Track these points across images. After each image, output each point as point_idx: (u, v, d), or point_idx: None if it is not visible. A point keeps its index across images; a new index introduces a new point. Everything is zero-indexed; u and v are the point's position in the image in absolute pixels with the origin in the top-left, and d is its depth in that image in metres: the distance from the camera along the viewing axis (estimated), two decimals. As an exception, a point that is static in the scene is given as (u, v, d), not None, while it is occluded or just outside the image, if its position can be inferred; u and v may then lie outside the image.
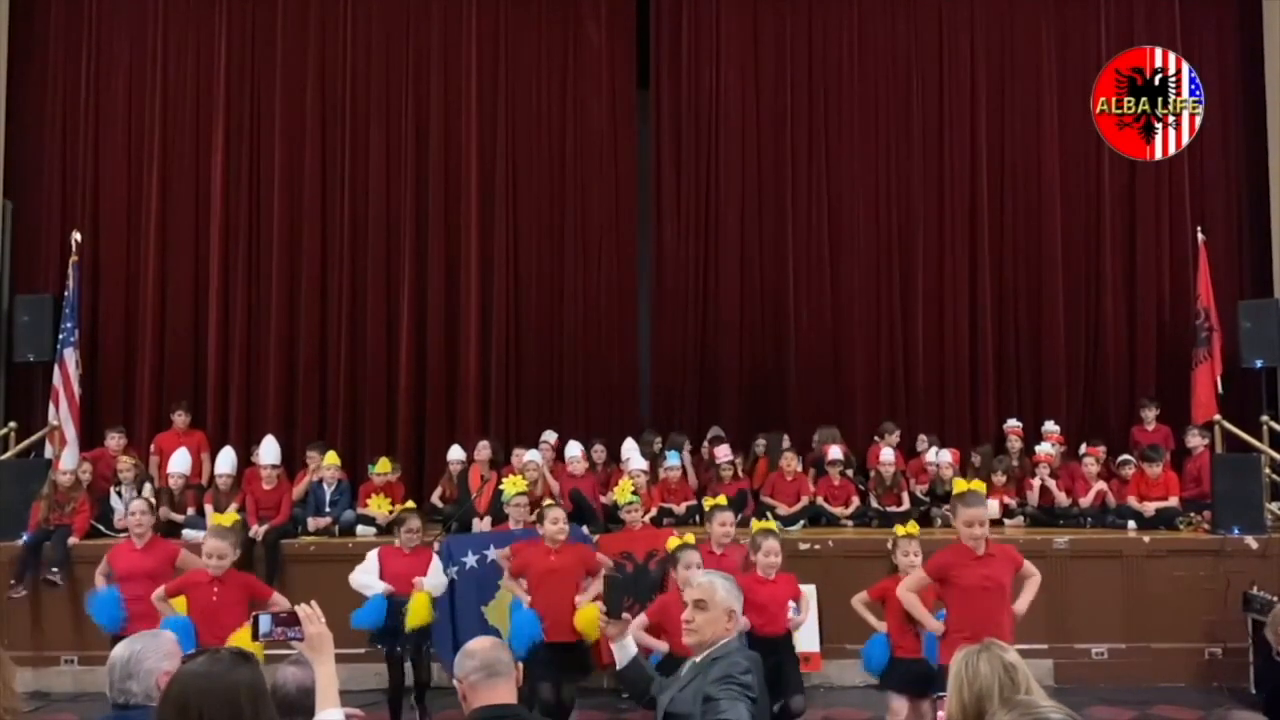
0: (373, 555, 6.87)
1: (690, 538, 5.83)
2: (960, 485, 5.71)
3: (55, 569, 7.86)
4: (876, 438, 9.82)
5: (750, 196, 10.69)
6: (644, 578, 7.03)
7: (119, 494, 8.47)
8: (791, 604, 5.93)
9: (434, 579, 6.75)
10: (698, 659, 3.31)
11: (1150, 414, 9.87)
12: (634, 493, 7.35)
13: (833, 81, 10.79)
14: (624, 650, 3.64)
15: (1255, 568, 8.00)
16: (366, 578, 6.71)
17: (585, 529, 7.93)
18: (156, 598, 5.81)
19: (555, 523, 6.28)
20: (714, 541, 6.27)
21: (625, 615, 5.18)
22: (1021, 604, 5.29)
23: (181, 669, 2.38)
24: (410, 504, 7.48)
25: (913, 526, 6.43)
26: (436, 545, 7.84)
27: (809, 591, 7.37)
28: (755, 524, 6.41)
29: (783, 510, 8.78)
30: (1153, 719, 7.28)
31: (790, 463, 9.13)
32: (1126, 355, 10.65)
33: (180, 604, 5.81)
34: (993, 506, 8.70)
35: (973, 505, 5.24)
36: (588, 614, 6.12)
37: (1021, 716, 2.19)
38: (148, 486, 8.42)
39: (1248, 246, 10.78)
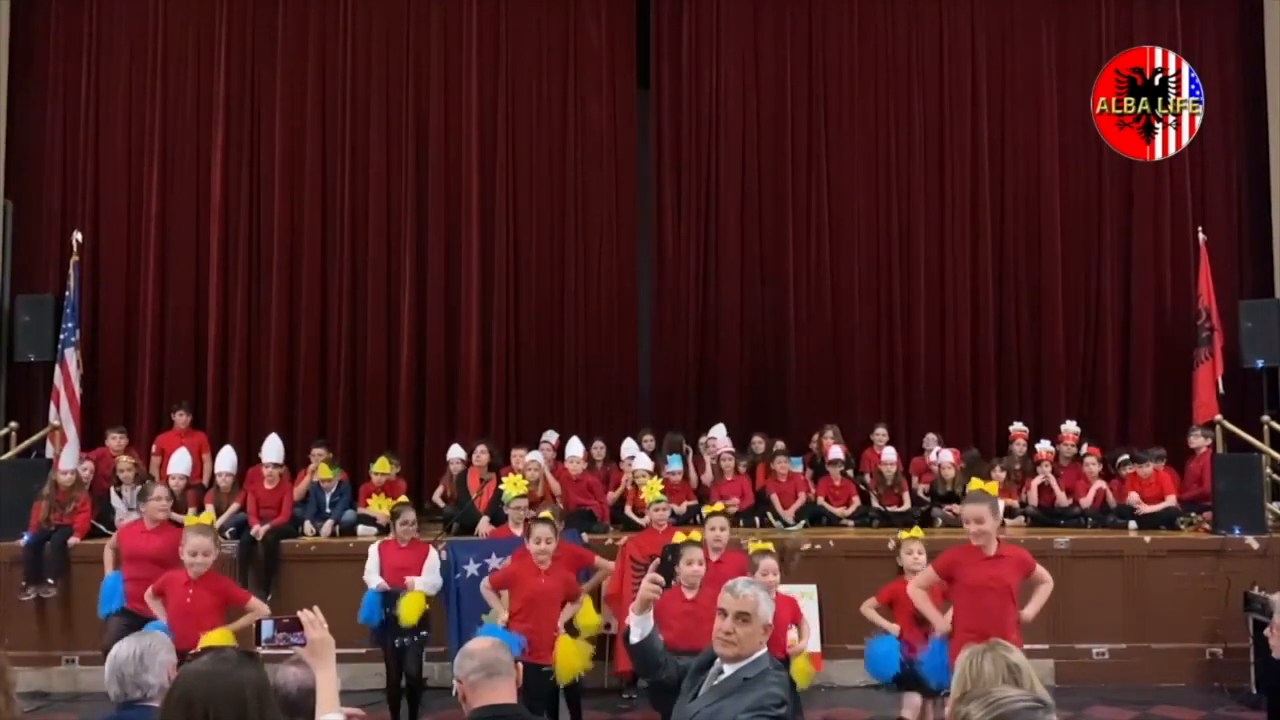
0: (373, 550, 6.95)
1: (697, 535, 5.80)
2: (975, 484, 5.72)
3: (51, 580, 7.86)
4: (873, 438, 9.84)
5: (750, 196, 10.69)
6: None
7: (119, 494, 8.47)
8: (792, 628, 5.83)
9: (428, 578, 6.78)
10: (726, 674, 3.21)
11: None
12: (662, 492, 7.33)
13: (833, 82, 10.79)
14: (643, 625, 3.55)
15: (1256, 568, 8.00)
16: (370, 576, 6.81)
17: (585, 536, 7.92)
18: (148, 597, 5.87)
19: (539, 542, 6.08)
20: (709, 547, 6.24)
21: (685, 564, 5.16)
22: (1030, 610, 5.27)
23: (186, 668, 2.38)
24: (404, 498, 7.45)
25: (916, 530, 6.47)
26: (441, 547, 7.86)
27: (809, 591, 7.38)
28: (752, 545, 6.35)
29: (783, 512, 8.80)
30: (1153, 719, 7.28)
31: (783, 466, 9.16)
32: (1126, 355, 10.65)
33: None
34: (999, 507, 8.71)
35: (971, 503, 5.28)
36: (569, 653, 6.10)
37: (985, 706, 2.18)
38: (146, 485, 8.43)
39: (1248, 246, 10.78)
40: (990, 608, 4.99)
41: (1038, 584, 5.39)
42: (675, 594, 5.34)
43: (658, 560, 6.52)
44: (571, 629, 6.31)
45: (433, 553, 7.00)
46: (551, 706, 6.27)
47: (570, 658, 6.10)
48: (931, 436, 9.83)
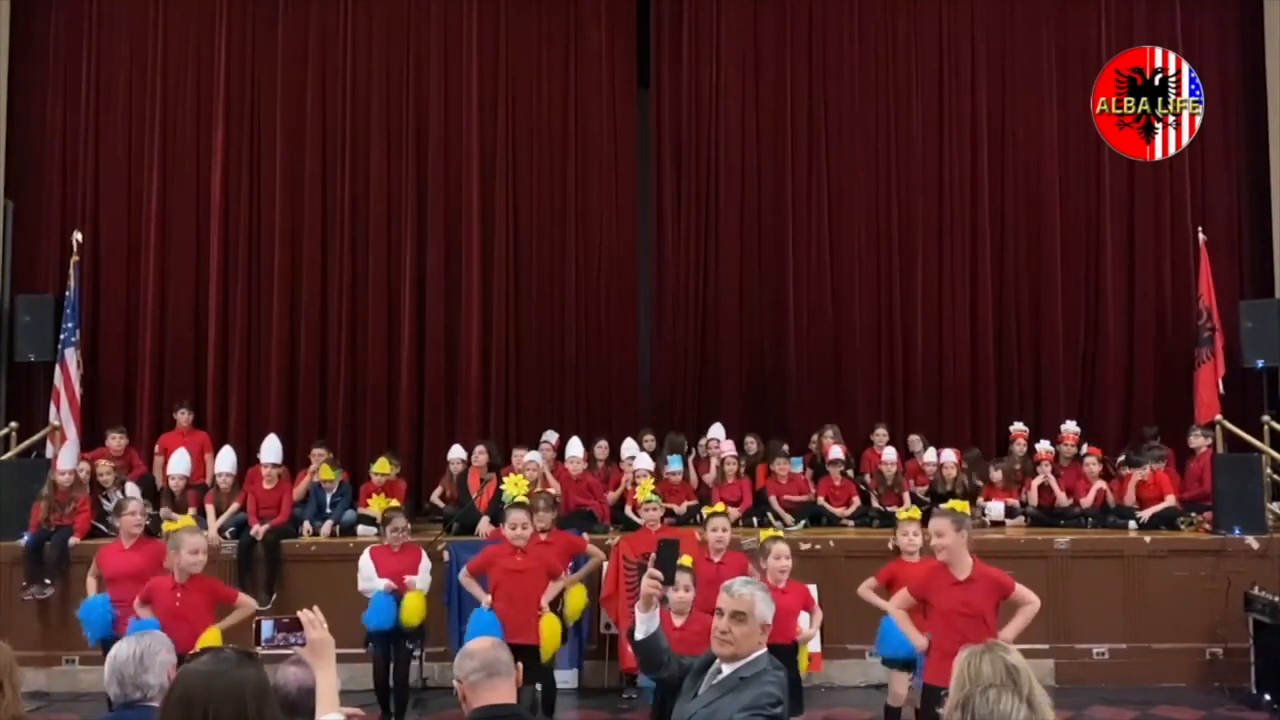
0: (365, 557, 6.95)
1: (688, 560, 5.76)
2: (949, 506, 5.67)
3: (49, 580, 7.84)
4: (873, 438, 9.84)
5: (750, 196, 10.69)
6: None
7: (106, 498, 8.46)
8: (804, 614, 5.87)
9: (425, 577, 6.85)
10: (724, 674, 3.22)
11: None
12: (653, 492, 7.35)
13: (833, 82, 10.79)
14: (649, 622, 3.56)
15: (1256, 568, 8.00)
16: (368, 582, 6.81)
17: (585, 537, 7.92)
18: (137, 605, 5.81)
19: (514, 528, 6.19)
20: (710, 549, 6.24)
21: (672, 590, 5.12)
22: (1008, 633, 4.99)
23: (186, 668, 2.38)
24: (395, 502, 7.47)
25: (914, 511, 6.57)
26: (442, 547, 7.87)
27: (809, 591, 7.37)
28: (763, 533, 6.39)
29: (783, 508, 8.80)
30: (1153, 719, 7.28)
31: (783, 467, 9.17)
32: (1126, 355, 10.65)
33: None
34: (996, 508, 8.74)
35: (934, 516, 5.21)
36: (551, 627, 6.16)
37: None
38: (129, 486, 8.42)
39: (1248, 246, 10.78)
40: (964, 633, 4.69)
41: (1020, 604, 5.15)
42: (663, 621, 5.30)
43: (653, 557, 6.53)
44: (558, 612, 6.36)
45: (423, 555, 7.03)
46: (547, 686, 6.30)
47: (550, 635, 6.17)
48: (915, 438, 9.84)
